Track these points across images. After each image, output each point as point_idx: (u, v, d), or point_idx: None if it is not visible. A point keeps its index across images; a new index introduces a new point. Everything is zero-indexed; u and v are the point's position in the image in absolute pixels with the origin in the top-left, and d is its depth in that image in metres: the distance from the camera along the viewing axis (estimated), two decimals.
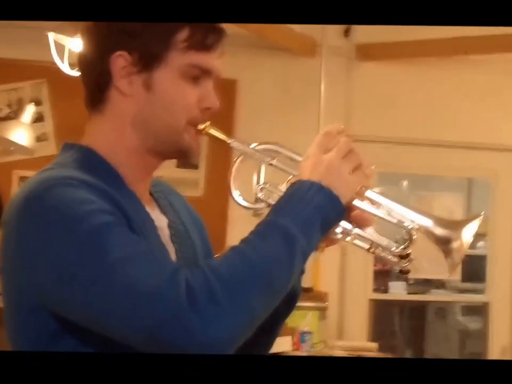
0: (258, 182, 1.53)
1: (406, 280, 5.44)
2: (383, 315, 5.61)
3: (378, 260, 5.04)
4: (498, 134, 5.15)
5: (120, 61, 1.47)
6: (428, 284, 5.66)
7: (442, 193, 5.39)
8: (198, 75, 1.49)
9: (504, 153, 5.23)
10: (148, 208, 1.52)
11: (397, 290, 5.45)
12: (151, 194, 1.60)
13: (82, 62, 1.54)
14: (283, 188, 1.51)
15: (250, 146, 1.53)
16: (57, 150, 4.80)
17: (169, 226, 1.58)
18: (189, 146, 1.51)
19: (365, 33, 5.06)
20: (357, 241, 1.48)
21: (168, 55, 1.47)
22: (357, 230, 1.47)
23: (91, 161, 1.48)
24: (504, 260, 5.15)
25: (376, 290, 5.31)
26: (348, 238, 1.48)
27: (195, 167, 4.85)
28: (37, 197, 1.34)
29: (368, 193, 1.46)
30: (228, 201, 4.83)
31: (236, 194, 1.54)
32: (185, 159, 1.55)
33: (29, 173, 4.60)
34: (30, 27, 4.52)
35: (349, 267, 5.06)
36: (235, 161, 1.55)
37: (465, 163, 5.24)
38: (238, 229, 4.65)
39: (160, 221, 1.55)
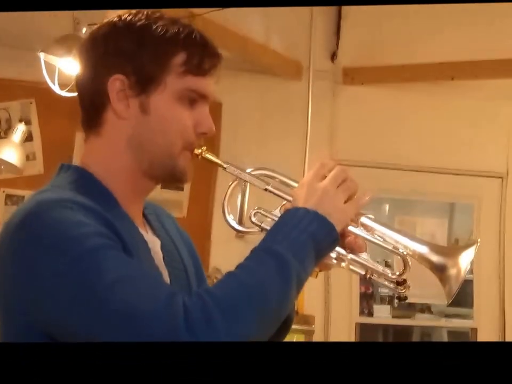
0: (242, 205, 1.54)
1: (391, 303, 5.44)
2: (368, 338, 5.59)
3: (363, 282, 5.11)
4: (481, 159, 5.17)
5: (117, 84, 1.48)
6: (412, 308, 5.64)
7: (424, 218, 5.39)
8: (194, 99, 1.50)
9: (487, 179, 5.25)
10: (141, 230, 1.53)
11: (382, 314, 5.44)
12: (144, 216, 1.61)
13: (79, 84, 1.55)
14: (277, 212, 1.52)
15: (246, 171, 1.54)
16: (44, 169, 4.77)
17: (162, 248, 1.58)
18: (183, 170, 1.52)
19: (352, 57, 5.09)
20: (352, 267, 1.49)
21: (165, 79, 1.47)
22: (351, 256, 1.48)
23: (87, 183, 1.48)
24: (490, 285, 5.16)
25: (360, 313, 5.30)
26: (343, 264, 1.49)
27: (180, 188, 4.86)
28: (34, 218, 1.34)
29: (363, 219, 1.47)
30: (211, 223, 4.86)
31: (229, 218, 1.54)
32: (179, 182, 1.56)
33: (17, 191, 4.65)
34: (18, 47, 4.55)
35: (334, 290, 5.07)
36: (230, 185, 1.56)
37: (448, 188, 5.25)
38: (221, 250, 4.68)
39: (154, 243, 1.56)
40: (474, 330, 5.29)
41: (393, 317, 5.47)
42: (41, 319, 1.33)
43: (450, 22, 4.79)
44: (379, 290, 5.39)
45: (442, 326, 5.73)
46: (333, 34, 5.06)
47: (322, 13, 4.95)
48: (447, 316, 5.61)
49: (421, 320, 5.65)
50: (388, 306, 5.44)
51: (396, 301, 5.40)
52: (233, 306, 1.26)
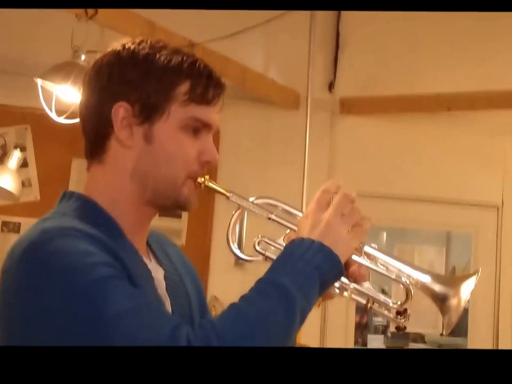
0: (241, 233, 1.54)
1: (384, 333, 5.44)
2: None
3: (358, 312, 5.10)
4: (477, 189, 5.19)
5: (121, 112, 1.48)
6: (406, 338, 5.63)
7: (422, 247, 5.40)
8: (198, 128, 1.50)
9: (483, 209, 5.27)
10: (145, 259, 1.52)
11: (375, 344, 5.43)
12: (147, 244, 1.60)
13: (83, 112, 1.55)
14: (281, 241, 1.52)
15: (249, 200, 1.54)
16: (41, 196, 4.74)
17: (165, 278, 1.57)
18: (187, 199, 1.52)
19: (349, 87, 5.12)
20: (354, 296, 1.49)
21: (169, 108, 1.48)
22: (354, 285, 1.48)
23: (91, 211, 1.48)
24: (485, 314, 5.16)
25: (355, 343, 5.30)
26: (346, 293, 1.49)
27: (178, 216, 4.86)
28: (38, 247, 1.33)
29: (366, 248, 1.48)
30: (209, 251, 4.85)
31: (234, 247, 1.54)
32: (183, 210, 1.56)
33: (13, 218, 4.63)
34: (13, 72, 4.56)
35: (331, 320, 5.07)
36: (233, 214, 1.55)
37: (445, 218, 5.27)
38: (220, 279, 4.67)
39: (157, 272, 1.55)
40: None
41: (387, 346, 5.46)
42: None
43: (447, 53, 4.83)
44: (373, 320, 5.40)
45: None
46: (331, 64, 5.10)
47: (320, 44, 4.98)
48: (441, 345, 5.60)
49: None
50: (381, 336, 5.43)
51: (390, 330, 5.40)
52: (236, 341, 1.26)
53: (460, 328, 5.27)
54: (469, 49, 4.81)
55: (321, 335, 5.07)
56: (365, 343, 5.35)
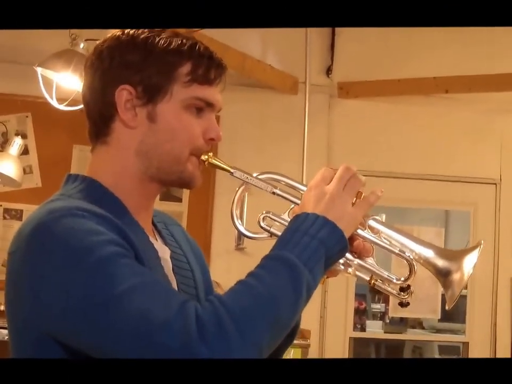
0: (241, 212, 1.55)
1: (382, 319, 5.46)
2: (361, 352, 5.61)
3: (357, 298, 5.12)
4: (475, 166, 5.22)
5: (124, 95, 1.49)
6: (404, 323, 5.65)
7: (420, 227, 5.42)
8: (201, 108, 1.51)
9: (482, 186, 5.28)
10: (151, 239, 1.53)
11: (374, 329, 5.45)
12: (153, 224, 1.61)
13: (86, 96, 1.56)
14: (285, 216, 1.52)
15: (253, 175, 1.55)
16: (42, 182, 4.76)
17: (172, 257, 1.58)
18: (191, 176, 1.53)
19: (346, 71, 5.15)
20: (358, 273, 1.49)
21: (171, 88, 1.49)
22: (358, 261, 1.48)
23: (96, 192, 1.49)
24: (483, 299, 5.16)
25: (354, 328, 5.32)
26: (350, 270, 1.49)
27: (179, 200, 4.87)
28: (45, 228, 1.34)
29: (370, 222, 1.48)
30: (210, 235, 4.86)
31: (238, 223, 1.54)
32: (187, 187, 1.58)
33: (15, 205, 4.66)
34: (14, 61, 4.56)
35: (330, 305, 5.10)
36: (237, 191, 1.56)
37: (443, 195, 5.28)
38: (221, 263, 4.69)
39: (163, 251, 1.56)
40: (466, 344, 5.30)
41: (385, 332, 5.48)
42: (53, 328, 1.33)
43: (444, 37, 4.85)
44: (371, 306, 5.42)
45: (433, 340, 5.73)
46: (328, 50, 5.14)
47: (317, 30, 4.99)
48: (439, 330, 5.61)
49: (412, 334, 5.66)
50: (380, 322, 5.45)
51: (388, 316, 5.42)
52: (245, 315, 1.26)
53: (458, 314, 5.29)
54: (466, 32, 4.82)
55: (321, 321, 5.10)
56: (363, 328, 5.37)
